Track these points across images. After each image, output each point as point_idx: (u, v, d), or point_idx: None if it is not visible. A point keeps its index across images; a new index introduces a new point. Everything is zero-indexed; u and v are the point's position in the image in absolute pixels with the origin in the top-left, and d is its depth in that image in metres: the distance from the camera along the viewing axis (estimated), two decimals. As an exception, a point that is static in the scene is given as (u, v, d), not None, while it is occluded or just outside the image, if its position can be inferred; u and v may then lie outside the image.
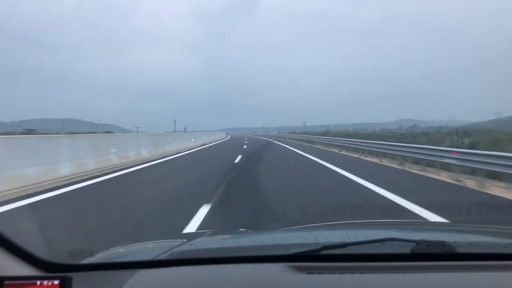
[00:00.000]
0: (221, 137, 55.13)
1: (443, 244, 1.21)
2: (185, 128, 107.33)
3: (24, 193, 7.18)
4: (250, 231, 2.00)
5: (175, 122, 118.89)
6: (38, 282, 0.90)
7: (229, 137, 72.63)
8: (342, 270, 1.14)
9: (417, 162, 13.75)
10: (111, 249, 1.52)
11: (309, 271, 1.12)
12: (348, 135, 56.33)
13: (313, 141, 34.42)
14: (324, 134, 61.54)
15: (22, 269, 1.06)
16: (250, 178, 10.15)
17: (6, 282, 0.89)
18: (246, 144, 34.56)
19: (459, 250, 1.21)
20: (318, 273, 1.12)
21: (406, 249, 1.20)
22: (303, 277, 1.09)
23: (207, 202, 6.27)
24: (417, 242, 1.20)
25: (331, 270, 1.14)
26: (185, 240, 1.56)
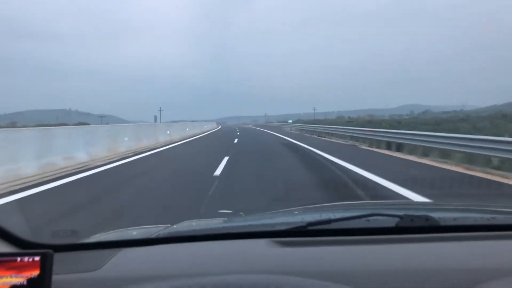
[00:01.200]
0: (206, 129, 44.31)
1: (427, 218, 1.23)
2: (155, 117, 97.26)
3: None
4: (241, 213, 1.99)
5: (160, 111, 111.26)
6: (19, 259, 0.88)
7: (218, 127, 62.05)
8: (327, 244, 1.15)
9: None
10: (99, 234, 1.50)
11: (295, 245, 1.13)
12: (370, 122, 44.63)
13: (328, 133, 24.66)
14: (349, 122, 50.54)
15: (3, 248, 1.05)
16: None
17: None
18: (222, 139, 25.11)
19: (443, 223, 1.20)
20: (304, 246, 1.14)
21: (390, 223, 1.22)
22: (289, 250, 1.10)
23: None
24: (401, 217, 1.22)
25: (317, 244, 1.15)
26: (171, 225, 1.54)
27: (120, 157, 11.98)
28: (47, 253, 0.90)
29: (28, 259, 0.89)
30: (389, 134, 15.38)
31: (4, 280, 0.88)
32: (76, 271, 1.02)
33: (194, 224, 1.66)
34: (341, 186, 6.81)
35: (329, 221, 1.23)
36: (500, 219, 1.33)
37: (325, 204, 1.91)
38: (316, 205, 1.86)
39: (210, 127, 51.95)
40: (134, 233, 1.55)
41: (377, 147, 15.39)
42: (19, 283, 0.87)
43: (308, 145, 17.06)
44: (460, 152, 9.78)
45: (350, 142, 19.01)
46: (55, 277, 0.90)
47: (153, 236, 1.26)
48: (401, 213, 1.26)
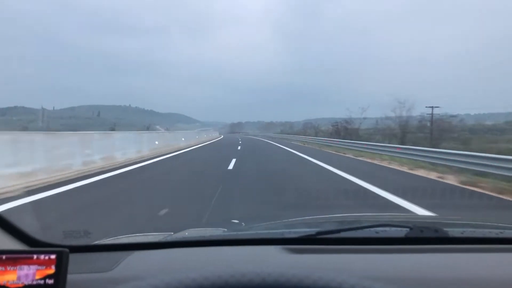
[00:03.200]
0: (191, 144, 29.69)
1: (436, 229, 1.22)
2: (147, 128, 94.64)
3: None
4: (243, 223, 2.01)
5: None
6: (35, 256, 0.89)
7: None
8: (337, 252, 1.16)
9: None
10: (110, 238, 1.51)
11: (306, 252, 1.14)
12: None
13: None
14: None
15: (18, 247, 1.07)
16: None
17: (2, 255, 0.89)
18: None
19: (452, 235, 1.21)
20: (314, 254, 1.14)
21: (400, 234, 1.23)
22: (299, 257, 1.11)
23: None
24: (410, 228, 1.22)
25: (327, 252, 1.16)
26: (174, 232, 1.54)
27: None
28: (63, 251, 0.92)
29: (45, 257, 0.91)
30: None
31: (21, 277, 0.89)
32: (89, 271, 1.03)
33: (202, 230, 1.67)
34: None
35: (338, 231, 1.25)
36: (509, 233, 1.34)
37: (334, 215, 1.92)
38: (326, 216, 1.88)
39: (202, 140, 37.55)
40: (144, 237, 1.55)
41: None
42: (35, 280, 0.89)
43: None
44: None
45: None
46: (69, 276, 0.91)
47: (164, 240, 1.28)
48: (410, 224, 1.27)
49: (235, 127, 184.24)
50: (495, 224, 1.71)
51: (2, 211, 1.13)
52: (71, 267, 0.93)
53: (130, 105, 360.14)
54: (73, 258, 0.99)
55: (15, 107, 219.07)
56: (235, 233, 1.52)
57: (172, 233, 1.46)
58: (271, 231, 1.49)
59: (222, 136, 63.57)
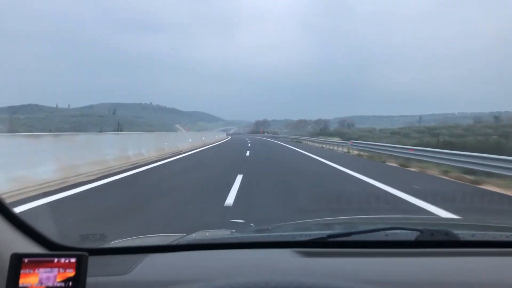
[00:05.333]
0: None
1: (446, 232, 1.23)
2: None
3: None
4: (252, 224, 2.03)
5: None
6: (56, 260, 0.93)
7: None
8: (348, 255, 1.18)
9: None
10: (123, 239, 1.55)
11: (317, 255, 1.16)
12: None
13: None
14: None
15: (37, 250, 1.10)
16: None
17: (24, 258, 0.92)
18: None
19: (462, 238, 1.21)
20: (325, 257, 1.16)
21: (410, 237, 1.23)
22: (310, 260, 1.13)
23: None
24: (421, 231, 1.23)
25: (338, 255, 1.18)
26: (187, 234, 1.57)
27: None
28: (83, 255, 0.95)
29: (65, 260, 0.94)
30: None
31: (42, 279, 0.93)
32: (107, 274, 1.06)
33: (214, 232, 1.69)
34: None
35: (349, 234, 1.26)
36: None
37: (344, 217, 1.93)
38: (336, 218, 1.89)
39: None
40: (162, 238, 1.59)
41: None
42: (55, 283, 0.93)
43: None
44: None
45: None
46: (88, 279, 0.94)
47: (177, 243, 1.30)
48: (420, 227, 1.28)
49: (260, 126, 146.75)
50: (508, 226, 1.71)
51: (20, 214, 1.16)
52: (89, 270, 0.96)
53: (151, 103, 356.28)
54: (91, 260, 1.02)
55: (29, 105, 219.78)
56: (246, 235, 1.54)
57: (185, 234, 1.49)
58: (282, 233, 1.51)
59: (229, 138, 56.20)
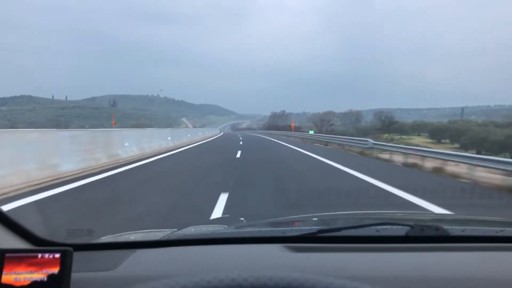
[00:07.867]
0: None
1: (437, 228, 1.23)
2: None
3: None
4: (243, 219, 2.03)
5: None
6: (40, 255, 0.91)
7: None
8: (338, 250, 1.17)
9: None
10: (112, 235, 1.52)
11: (307, 251, 1.15)
12: None
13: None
14: None
15: (22, 246, 1.08)
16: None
17: (7, 254, 0.90)
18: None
19: (453, 234, 1.21)
20: (315, 252, 1.16)
21: (400, 232, 1.23)
22: (300, 255, 1.12)
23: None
24: (411, 226, 1.23)
25: (328, 251, 1.17)
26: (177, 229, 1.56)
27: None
28: (68, 250, 0.93)
29: (49, 255, 0.92)
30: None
31: (25, 275, 0.91)
32: (92, 270, 1.05)
33: (205, 228, 1.68)
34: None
35: (339, 229, 1.26)
36: (509, 232, 1.34)
37: (336, 213, 1.93)
38: (327, 213, 1.88)
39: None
40: (151, 234, 1.57)
41: None
42: (39, 279, 0.91)
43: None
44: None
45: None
46: (72, 275, 0.92)
47: (166, 238, 1.29)
48: (411, 222, 1.28)
49: (277, 119, 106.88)
50: (499, 221, 1.71)
51: (5, 210, 1.13)
52: (74, 265, 0.94)
53: (158, 95, 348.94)
54: (77, 256, 1.01)
55: (21, 96, 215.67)
56: (237, 231, 1.53)
57: (176, 229, 1.47)
58: (273, 229, 1.50)
59: (222, 133, 48.70)
